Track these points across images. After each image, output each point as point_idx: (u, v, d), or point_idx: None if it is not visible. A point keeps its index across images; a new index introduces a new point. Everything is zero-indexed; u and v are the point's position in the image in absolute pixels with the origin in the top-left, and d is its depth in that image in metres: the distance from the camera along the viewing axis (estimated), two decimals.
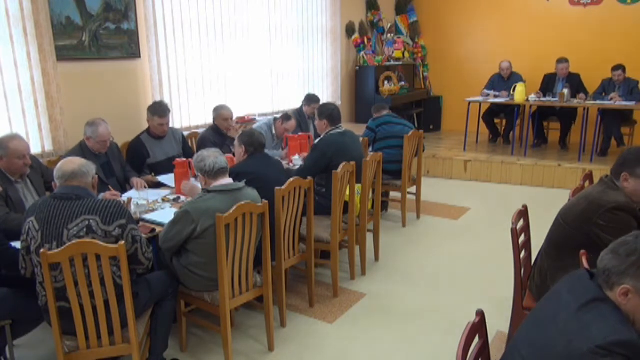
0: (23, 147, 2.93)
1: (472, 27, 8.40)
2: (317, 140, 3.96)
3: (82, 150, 3.50)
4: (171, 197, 3.40)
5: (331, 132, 3.89)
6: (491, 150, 7.19)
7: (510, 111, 7.13)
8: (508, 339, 2.66)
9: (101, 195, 3.35)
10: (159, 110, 3.97)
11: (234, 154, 4.12)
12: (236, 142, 3.32)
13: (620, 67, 6.43)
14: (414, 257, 4.31)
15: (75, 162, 2.36)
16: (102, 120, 3.54)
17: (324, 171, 3.67)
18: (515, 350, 1.54)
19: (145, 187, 3.61)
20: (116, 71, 4.39)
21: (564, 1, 7.61)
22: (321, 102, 5.59)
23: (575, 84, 6.77)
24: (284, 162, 4.25)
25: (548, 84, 7.08)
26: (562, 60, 6.88)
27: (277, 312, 3.24)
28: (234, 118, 5.58)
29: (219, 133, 4.43)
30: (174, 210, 3.06)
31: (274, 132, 4.86)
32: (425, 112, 8.58)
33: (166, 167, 3.91)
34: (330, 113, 3.93)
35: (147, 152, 3.99)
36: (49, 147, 3.94)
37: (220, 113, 4.45)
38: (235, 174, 3.00)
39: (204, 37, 5.12)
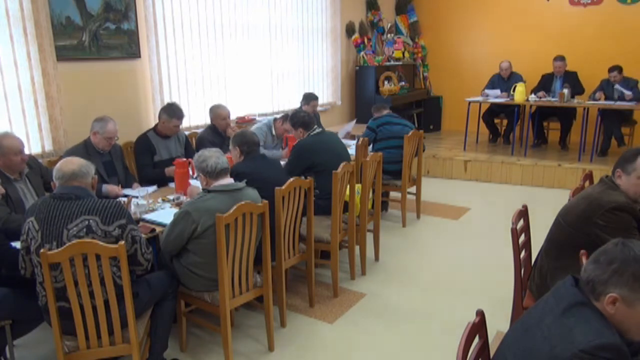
0: (17, 143, 2.93)
1: (472, 27, 8.40)
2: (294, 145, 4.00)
3: (86, 147, 3.50)
4: (171, 197, 3.40)
5: (308, 135, 3.94)
6: (491, 150, 7.19)
7: (510, 111, 7.13)
8: None
9: (105, 187, 3.40)
10: (177, 112, 4.01)
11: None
12: (230, 145, 3.32)
13: (616, 68, 6.42)
14: (414, 257, 4.31)
15: (75, 163, 2.36)
16: (111, 118, 3.56)
17: (307, 172, 3.71)
18: (501, 355, 1.54)
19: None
20: (116, 71, 4.39)
21: (564, 1, 7.62)
22: (319, 101, 5.62)
23: (572, 81, 6.76)
24: (284, 162, 4.25)
25: (546, 83, 7.08)
26: (558, 58, 6.89)
27: (277, 312, 3.24)
28: (234, 118, 5.61)
29: (217, 133, 4.44)
30: (174, 210, 3.07)
31: (273, 132, 4.86)
32: (425, 112, 8.58)
33: (169, 166, 3.91)
34: (302, 120, 3.98)
35: (154, 150, 4.01)
36: (49, 147, 3.94)
37: (217, 113, 4.46)
38: (235, 174, 3.00)
39: (204, 37, 5.12)
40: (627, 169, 2.34)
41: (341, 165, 3.46)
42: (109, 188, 3.45)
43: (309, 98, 5.39)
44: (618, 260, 1.38)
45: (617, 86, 6.39)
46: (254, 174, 3.01)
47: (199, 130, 4.88)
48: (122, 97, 4.46)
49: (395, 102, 7.40)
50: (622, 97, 6.37)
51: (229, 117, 4.50)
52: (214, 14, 5.21)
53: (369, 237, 4.12)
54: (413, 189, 5.14)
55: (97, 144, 3.52)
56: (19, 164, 2.95)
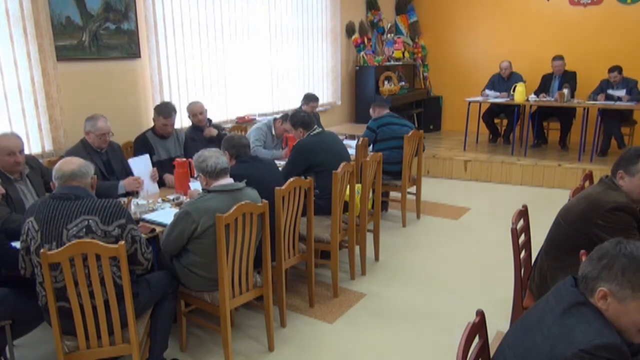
0: (12, 144, 2.90)
1: (472, 27, 8.40)
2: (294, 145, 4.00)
3: (84, 147, 3.49)
4: (171, 197, 3.40)
5: (308, 135, 3.94)
6: (491, 150, 7.19)
7: (510, 111, 7.13)
8: None
9: (121, 183, 3.44)
10: (164, 110, 4.00)
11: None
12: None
13: (616, 69, 6.43)
14: (414, 257, 4.31)
15: (74, 163, 2.36)
16: (102, 115, 3.54)
17: (307, 172, 3.71)
18: (501, 355, 1.54)
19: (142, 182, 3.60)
20: (116, 71, 4.39)
21: (564, 1, 7.62)
22: (319, 102, 5.62)
23: (570, 81, 6.75)
24: (284, 162, 4.24)
25: (546, 84, 7.09)
26: (557, 58, 6.91)
27: (277, 312, 3.24)
28: (234, 118, 5.61)
29: (198, 129, 4.48)
30: (174, 210, 3.07)
31: (273, 132, 4.86)
32: (425, 112, 8.57)
33: (168, 166, 3.91)
34: (302, 120, 3.99)
35: (152, 149, 4.02)
36: (49, 147, 3.94)
37: (190, 109, 4.51)
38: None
39: (204, 37, 5.12)
40: (630, 171, 2.34)
41: (341, 165, 3.47)
42: (126, 182, 3.46)
43: (309, 99, 5.39)
44: (608, 256, 1.40)
45: (610, 91, 6.38)
46: (248, 177, 2.96)
47: None
48: (122, 97, 4.46)
49: (395, 102, 7.40)
50: (621, 98, 6.37)
51: (201, 112, 4.48)
52: (214, 14, 5.21)
53: (369, 237, 4.12)
54: (413, 189, 5.14)
55: (93, 143, 3.51)
56: (12, 165, 2.93)
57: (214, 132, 4.51)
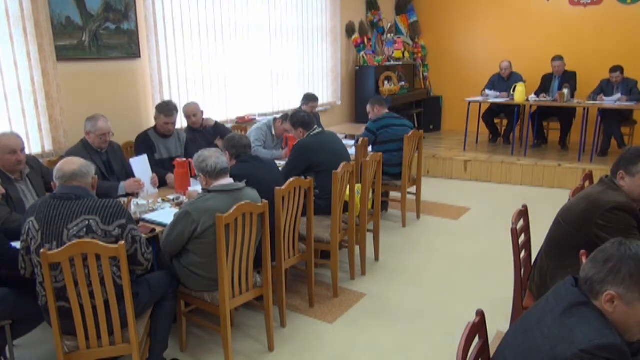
0: (13, 143, 2.91)
1: (472, 27, 8.40)
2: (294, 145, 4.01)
3: (84, 147, 3.50)
4: (171, 197, 3.41)
5: (308, 135, 3.95)
6: (491, 150, 7.19)
7: (510, 111, 7.13)
8: None
9: (121, 184, 3.47)
10: (166, 109, 4.01)
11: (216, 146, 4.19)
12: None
13: (618, 69, 6.43)
14: (414, 257, 4.31)
15: (75, 163, 2.36)
16: (102, 115, 3.55)
17: (307, 172, 3.72)
18: (501, 355, 1.54)
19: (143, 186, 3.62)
20: (116, 71, 4.39)
21: (564, 1, 7.62)
22: (318, 102, 5.62)
23: (570, 81, 6.76)
24: (284, 162, 4.24)
25: (546, 84, 7.09)
26: (556, 58, 6.92)
27: (277, 312, 3.24)
28: (234, 118, 5.61)
29: (194, 130, 4.51)
30: (174, 210, 3.07)
31: (273, 132, 4.86)
32: (425, 112, 8.57)
33: (168, 165, 3.91)
34: (302, 120, 3.99)
35: (154, 147, 4.02)
36: (49, 147, 3.94)
37: (184, 111, 4.55)
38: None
39: (204, 37, 5.12)
40: (631, 171, 2.34)
41: (341, 165, 3.47)
42: (126, 184, 3.47)
43: (309, 99, 5.39)
44: (614, 259, 1.39)
45: (606, 98, 6.36)
46: (248, 177, 2.95)
47: None
48: (122, 97, 4.46)
49: (395, 102, 7.40)
50: (624, 94, 6.36)
51: (194, 114, 4.49)
52: (214, 14, 5.22)
53: (369, 237, 4.12)
54: (413, 189, 5.14)
55: (93, 143, 3.51)
56: (14, 164, 2.93)
57: (212, 122, 4.63)
